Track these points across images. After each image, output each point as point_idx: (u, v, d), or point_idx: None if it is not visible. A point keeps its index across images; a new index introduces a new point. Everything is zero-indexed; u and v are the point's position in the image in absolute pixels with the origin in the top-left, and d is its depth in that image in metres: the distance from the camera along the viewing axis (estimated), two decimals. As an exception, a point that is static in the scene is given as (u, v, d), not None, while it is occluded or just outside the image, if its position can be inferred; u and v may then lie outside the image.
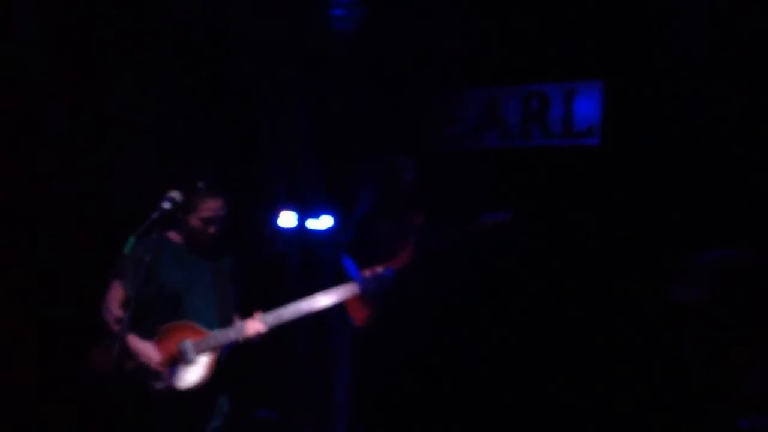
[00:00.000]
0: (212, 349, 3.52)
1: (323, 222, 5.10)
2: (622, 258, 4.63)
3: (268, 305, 3.65)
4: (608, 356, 4.62)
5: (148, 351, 3.44)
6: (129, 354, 3.41)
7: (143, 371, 3.43)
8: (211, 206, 3.52)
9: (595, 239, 4.70)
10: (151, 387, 3.42)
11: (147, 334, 3.48)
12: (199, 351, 3.50)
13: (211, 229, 3.56)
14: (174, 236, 3.63)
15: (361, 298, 4.25)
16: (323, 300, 3.76)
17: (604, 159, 4.73)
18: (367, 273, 4.07)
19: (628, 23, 4.59)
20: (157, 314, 3.50)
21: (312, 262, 5.05)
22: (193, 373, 3.48)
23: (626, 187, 4.65)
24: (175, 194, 3.35)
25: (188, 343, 3.49)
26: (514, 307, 4.89)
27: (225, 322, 3.60)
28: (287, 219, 5.08)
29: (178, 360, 3.48)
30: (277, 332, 3.67)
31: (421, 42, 4.94)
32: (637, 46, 4.58)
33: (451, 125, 5.22)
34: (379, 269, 4.06)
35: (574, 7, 4.64)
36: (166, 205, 3.30)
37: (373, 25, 5.02)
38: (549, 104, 4.93)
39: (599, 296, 4.71)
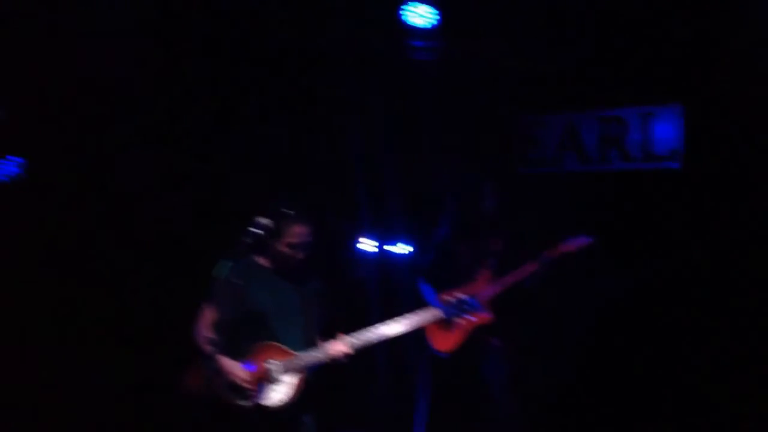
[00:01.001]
0: (299, 369, 3.64)
1: (402, 247, 5.20)
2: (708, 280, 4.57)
3: (349, 329, 3.75)
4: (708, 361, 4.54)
5: (237, 370, 3.58)
6: (219, 373, 3.56)
7: (232, 389, 3.57)
8: (298, 232, 3.66)
9: (682, 263, 4.65)
10: (240, 405, 3.55)
11: (236, 355, 3.62)
12: (286, 371, 3.62)
13: (299, 255, 3.70)
14: (262, 261, 3.78)
15: (441, 323, 4.32)
16: (405, 324, 3.83)
17: (685, 182, 4.69)
18: (448, 299, 4.12)
19: (705, 45, 4.56)
20: (246, 336, 3.64)
21: (392, 287, 5.15)
22: (280, 392, 3.61)
23: (709, 209, 4.59)
24: (265, 220, 3.50)
25: (275, 363, 3.62)
26: (603, 340, 4.85)
27: (310, 343, 3.71)
28: (368, 245, 5.20)
29: (266, 379, 3.61)
30: (360, 355, 3.77)
31: (500, 66, 5.02)
32: (716, 68, 4.55)
33: (531, 149, 5.27)
34: (461, 295, 4.11)
35: (652, 31, 4.65)
36: (256, 230, 3.45)
37: (453, 51, 5.13)
38: (627, 128, 4.93)
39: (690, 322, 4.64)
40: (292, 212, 3.68)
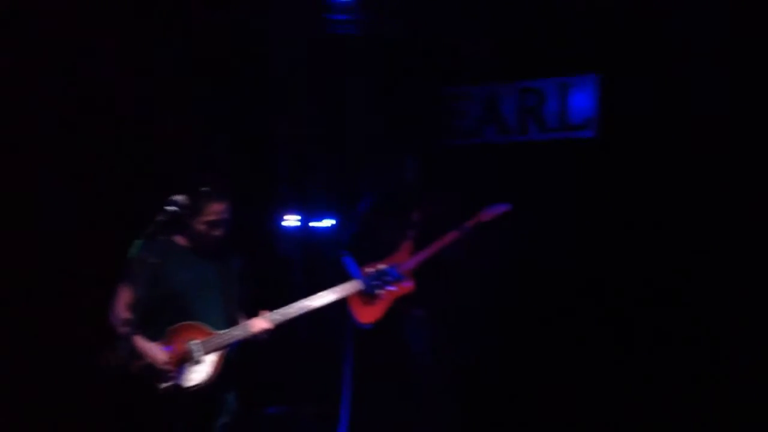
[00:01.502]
0: (220, 348, 3.61)
1: (327, 222, 5.20)
2: (618, 247, 4.70)
3: (273, 305, 3.74)
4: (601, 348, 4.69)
5: (155, 351, 3.53)
6: (137, 355, 3.51)
7: (151, 372, 3.52)
8: (216, 209, 3.61)
9: (591, 229, 4.77)
10: (160, 387, 3.52)
11: (155, 336, 3.57)
12: (207, 350, 3.59)
13: (217, 232, 3.65)
14: (180, 240, 3.73)
15: (363, 295, 4.34)
16: (326, 297, 3.82)
17: (599, 151, 4.80)
18: (369, 270, 4.15)
19: (621, 16, 4.65)
20: (164, 316, 3.59)
21: (315, 262, 5.15)
22: (201, 372, 3.57)
23: (622, 178, 4.71)
24: (180, 198, 3.44)
25: (195, 343, 3.59)
26: (514, 305, 4.95)
27: (231, 322, 3.68)
28: (291, 220, 5.18)
29: (186, 359, 3.57)
30: (283, 330, 3.77)
31: (421, 39, 5.03)
32: (631, 39, 4.65)
33: (451, 122, 5.31)
34: (381, 266, 4.14)
35: (568, 3, 4.72)
36: (170, 209, 3.38)
37: (373, 26, 5.11)
38: (545, 99, 5.01)
39: (596, 287, 4.77)
40: (208, 189, 3.62)
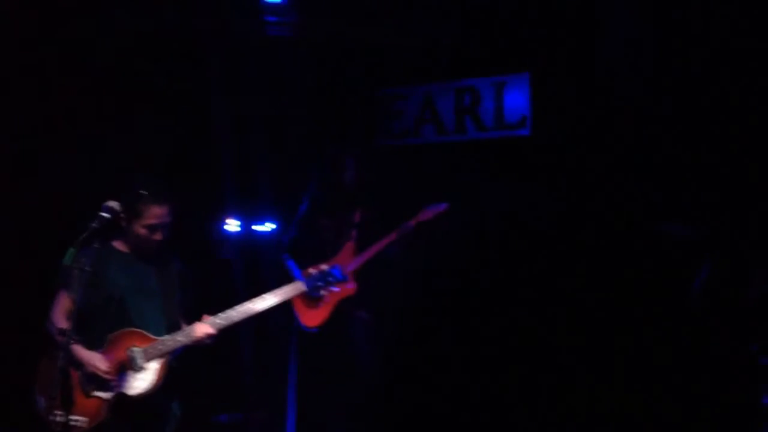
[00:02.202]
0: (161, 354, 3.55)
1: (268, 226, 5.17)
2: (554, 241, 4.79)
3: (215, 309, 3.69)
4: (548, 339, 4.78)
5: (96, 360, 3.45)
6: (76, 364, 3.43)
7: (92, 381, 3.44)
8: (156, 213, 3.55)
9: (529, 225, 4.86)
10: (100, 397, 3.44)
11: (96, 344, 3.50)
12: (149, 357, 3.53)
13: (157, 236, 3.59)
14: (119, 245, 3.65)
15: (306, 296, 4.33)
16: (269, 300, 3.78)
17: (535, 149, 4.89)
18: (311, 271, 4.14)
19: (551, 17, 4.76)
20: (104, 323, 3.51)
21: (257, 266, 5.11)
22: (143, 380, 3.51)
23: (557, 173, 4.81)
24: (113, 204, 3.37)
25: (137, 350, 3.52)
26: (452, 303, 5.00)
27: (173, 327, 3.62)
28: (232, 225, 5.13)
29: (128, 367, 3.50)
30: (226, 335, 3.73)
31: (358, 40, 5.05)
32: (560, 38, 4.76)
33: (389, 122, 5.35)
34: (323, 267, 4.13)
35: (502, 4, 4.81)
36: (105, 215, 3.32)
37: (307, 28, 5.11)
38: (481, 98, 5.09)
39: (534, 280, 4.85)
40: (147, 193, 3.57)
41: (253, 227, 5.20)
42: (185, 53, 5.00)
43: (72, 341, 3.32)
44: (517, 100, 4.95)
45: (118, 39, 4.70)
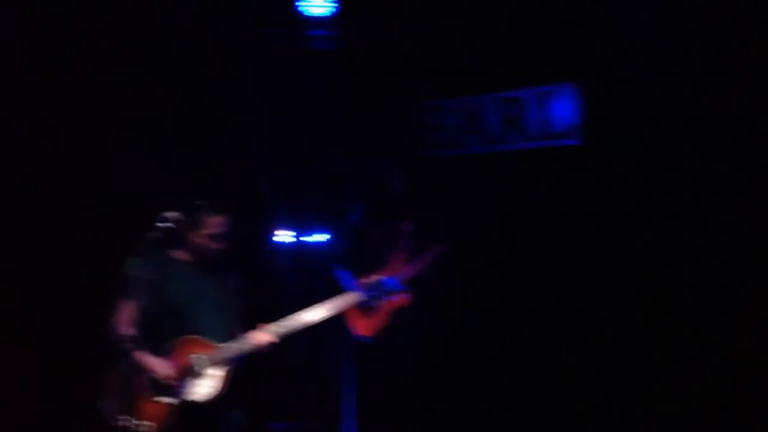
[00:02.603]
0: (223, 361, 3.62)
1: (319, 237, 5.23)
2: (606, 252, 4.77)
3: (269, 319, 3.74)
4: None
5: (160, 366, 3.53)
6: (141, 371, 3.50)
7: (156, 387, 3.51)
8: (215, 222, 3.64)
9: (580, 236, 4.85)
10: (165, 403, 3.51)
11: (158, 351, 3.57)
12: (211, 364, 3.59)
13: (216, 246, 3.67)
14: (179, 254, 3.73)
15: (359, 307, 4.37)
16: (325, 309, 3.86)
17: (584, 158, 4.90)
18: (367, 282, 4.18)
19: (594, 25, 4.79)
20: (166, 331, 3.59)
21: (309, 276, 5.16)
22: (206, 386, 3.58)
23: (609, 184, 4.80)
24: (172, 214, 3.46)
25: (199, 357, 3.59)
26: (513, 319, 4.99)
27: (232, 335, 3.69)
28: (284, 235, 5.20)
29: (190, 374, 3.57)
30: (282, 345, 3.78)
31: (401, 53, 5.11)
32: (605, 46, 4.77)
33: (435, 133, 5.39)
34: (379, 277, 4.17)
35: (547, 12, 4.84)
36: (164, 224, 3.40)
37: (351, 41, 5.18)
38: (525, 108, 5.12)
39: (583, 294, 4.83)
40: (206, 203, 3.65)
41: (305, 238, 5.26)
42: (231, 67, 5.10)
43: (136, 348, 3.40)
44: (564, 109, 4.97)
45: (170, 52, 4.81)
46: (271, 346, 3.69)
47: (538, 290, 4.95)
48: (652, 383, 4.52)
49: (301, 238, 5.27)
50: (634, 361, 4.60)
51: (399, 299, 4.49)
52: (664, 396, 4.46)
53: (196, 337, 3.62)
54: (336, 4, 5.06)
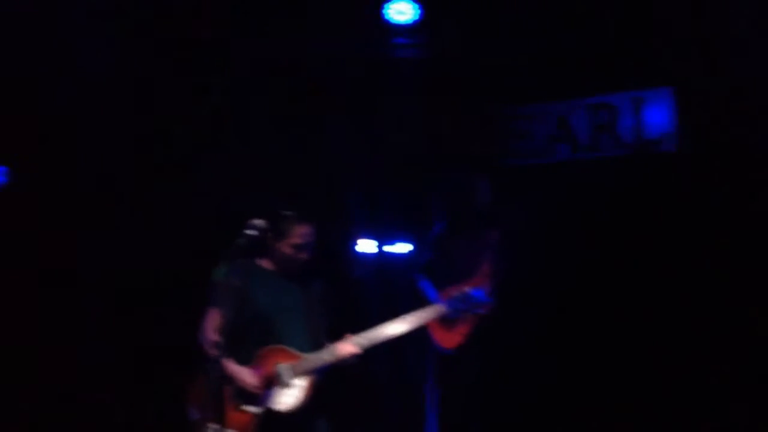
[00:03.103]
0: (308, 371, 3.57)
1: (401, 247, 5.14)
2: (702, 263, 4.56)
3: (351, 330, 3.69)
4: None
5: (245, 375, 3.51)
6: (227, 379, 3.48)
7: (241, 396, 3.48)
8: (301, 232, 3.62)
9: (677, 243, 4.64)
10: (250, 412, 3.47)
11: (243, 359, 3.55)
12: (295, 374, 3.55)
13: (302, 255, 3.65)
14: (265, 263, 3.72)
15: (443, 320, 4.27)
16: (411, 322, 3.80)
17: (680, 166, 4.69)
18: (453, 293, 4.08)
19: (691, 27, 4.58)
20: (251, 340, 3.57)
21: (391, 287, 5.09)
22: (291, 396, 3.54)
23: (705, 194, 4.59)
24: (259, 221, 3.43)
25: (284, 366, 3.55)
26: (598, 329, 4.82)
27: (317, 346, 3.65)
28: (366, 245, 5.13)
29: (275, 383, 3.53)
30: (364, 357, 3.72)
31: (486, 59, 5.00)
32: (702, 50, 4.57)
33: (521, 141, 5.25)
34: (465, 289, 4.07)
35: (639, 15, 4.66)
36: (251, 232, 3.38)
37: (435, 46, 5.10)
38: (618, 114, 4.93)
39: (679, 302, 4.63)
40: (293, 212, 3.63)
41: (387, 248, 5.18)
42: (316, 76, 5.09)
43: (223, 356, 3.39)
44: (658, 115, 4.76)
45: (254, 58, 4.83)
46: (355, 358, 3.64)
47: (630, 302, 4.76)
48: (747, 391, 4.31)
49: (383, 249, 5.19)
50: (734, 369, 4.38)
51: (484, 311, 4.36)
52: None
53: (281, 346, 3.59)
54: (419, 11, 5.00)
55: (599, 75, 4.88)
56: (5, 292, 4.27)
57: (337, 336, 3.67)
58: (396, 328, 3.75)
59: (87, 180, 4.59)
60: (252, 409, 3.50)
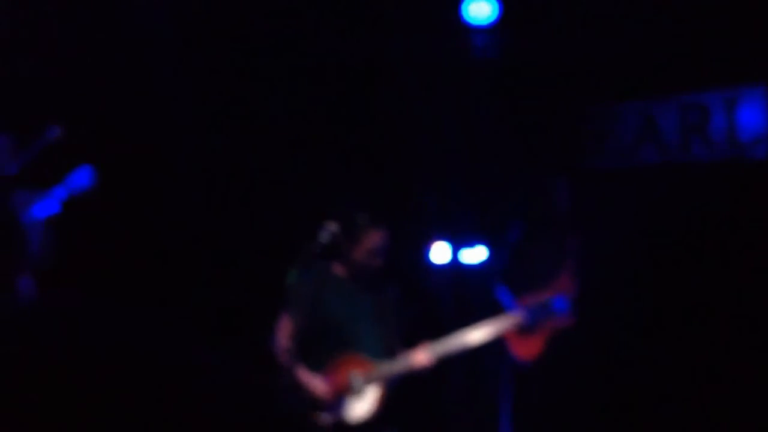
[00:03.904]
0: (380, 380, 3.49)
1: (477, 253, 5.00)
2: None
3: (424, 339, 3.61)
4: None
5: (316, 383, 3.44)
6: (298, 386, 3.42)
7: (312, 404, 3.42)
8: (375, 238, 3.54)
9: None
10: (321, 419, 3.41)
11: (315, 366, 3.48)
12: (368, 383, 3.47)
13: (376, 261, 3.56)
14: (337, 269, 3.64)
15: (521, 329, 4.12)
16: (487, 330, 3.71)
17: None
18: (531, 301, 3.94)
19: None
20: (323, 346, 3.50)
21: (466, 295, 4.96)
22: (362, 405, 3.46)
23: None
24: (332, 226, 3.38)
25: (357, 375, 3.47)
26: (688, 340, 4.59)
27: (390, 354, 3.57)
28: (440, 252, 5.01)
29: (347, 392, 3.46)
30: (438, 367, 3.62)
31: (567, 56, 4.82)
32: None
33: (605, 142, 5.04)
34: (544, 297, 3.92)
35: (731, 9, 4.40)
36: (323, 237, 3.33)
37: (515, 45, 4.95)
38: (710, 114, 4.67)
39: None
40: (368, 217, 3.55)
41: (462, 255, 5.05)
42: (388, 76, 5.01)
43: (294, 362, 3.34)
44: (754, 116, 4.49)
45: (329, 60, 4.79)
46: (429, 367, 3.54)
47: (720, 312, 4.50)
48: None
49: (458, 255, 5.05)
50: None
51: (564, 320, 4.19)
52: None
53: (354, 354, 3.51)
54: (498, 10, 4.86)
55: (691, 71, 4.63)
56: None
57: (411, 345, 3.57)
58: (472, 337, 3.66)
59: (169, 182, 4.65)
60: (322, 417, 3.43)
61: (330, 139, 4.77)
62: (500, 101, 5.09)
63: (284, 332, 3.50)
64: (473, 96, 5.11)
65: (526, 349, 4.31)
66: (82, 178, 3.34)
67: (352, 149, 4.81)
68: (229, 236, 4.65)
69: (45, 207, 3.32)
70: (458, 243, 5.01)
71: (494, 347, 4.12)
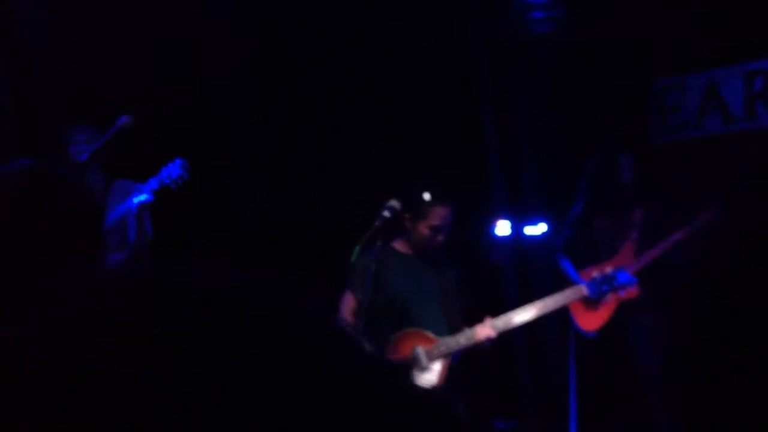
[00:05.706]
0: (444, 355, 3.55)
1: (539, 228, 5.00)
2: None
3: (487, 314, 3.64)
4: None
5: (382, 359, 3.52)
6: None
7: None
8: (440, 214, 3.56)
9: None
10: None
11: (379, 342, 3.56)
12: (432, 357, 3.53)
13: (440, 237, 3.60)
14: (400, 245, 3.70)
15: (585, 301, 4.12)
16: (550, 304, 3.73)
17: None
18: (594, 274, 3.93)
19: None
20: (386, 323, 3.58)
21: (528, 270, 4.96)
22: (426, 380, 3.52)
23: None
24: (395, 203, 3.43)
25: (421, 350, 3.54)
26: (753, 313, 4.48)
27: (453, 329, 3.62)
28: (503, 228, 5.03)
29: (411, 367, 3.53)
30: (502, 341, 3.65)
31: (628, 29, 4.75)
32: None
33: (667, 115, 4.95)
34: (607, 269, 3.91)
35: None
36: (387, 213, 3.39)
37: (574, 22, 4.90)
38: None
39: None
40: (432, 193, 3.58)
41: (524, 229, 5.05)
42: (451, 54, 5.02)
43: (359, 339, 3.42)
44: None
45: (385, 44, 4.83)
46: (492, 341, 3.57)
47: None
48: None
49: (520, 229, 5.06)
50: None
51: (627, 293, 4.17)
52: None
53: (417, 329, 3.58)
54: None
55: (754, 38, 4.51)
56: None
57: (474, 320, 3.61)
58: (534, 310, 3.68)
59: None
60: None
61: (396, 118, 4.81)
62: (563, 76, 5.05)
63: (348, 309, 3.59)
64: (537, 72, 5.08)
65: (591, 321, 4.31)
66: (175, 169, 3.47)
67: (416, 127, 4.84)
68: (294, 215, 4.74)
69: (141, 196, 3.46)
70: (521, 218, 5.02)
71: (559, 319, 4.14)
